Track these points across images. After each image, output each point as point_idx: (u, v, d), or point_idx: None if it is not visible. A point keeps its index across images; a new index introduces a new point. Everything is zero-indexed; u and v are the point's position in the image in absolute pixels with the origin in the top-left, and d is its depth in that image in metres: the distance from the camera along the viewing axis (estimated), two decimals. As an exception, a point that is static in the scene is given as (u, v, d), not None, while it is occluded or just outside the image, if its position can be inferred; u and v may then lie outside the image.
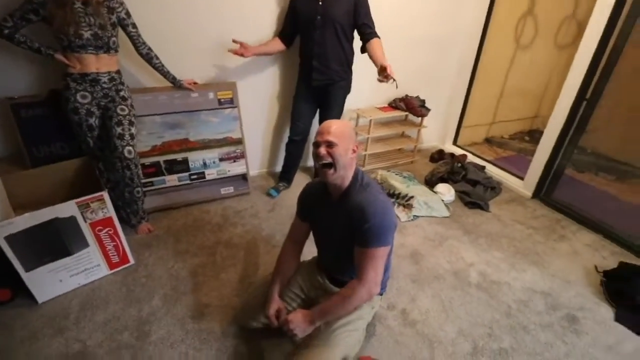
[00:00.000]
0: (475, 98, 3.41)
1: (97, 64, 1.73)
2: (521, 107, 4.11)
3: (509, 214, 2.48)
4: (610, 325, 1.64)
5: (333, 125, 1.12)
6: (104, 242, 1.74)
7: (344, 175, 1.14)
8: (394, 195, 2.50)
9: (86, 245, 1.69)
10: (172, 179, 2.32)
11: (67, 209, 1.56)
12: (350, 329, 1.24)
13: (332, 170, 1.10)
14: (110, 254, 1.79)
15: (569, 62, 2.37)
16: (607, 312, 1.70)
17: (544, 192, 2.67)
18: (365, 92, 2.96)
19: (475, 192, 2.60)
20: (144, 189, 2.11)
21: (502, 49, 3.49)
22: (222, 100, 2.28)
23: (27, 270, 1.55)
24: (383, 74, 1.80)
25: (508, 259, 2.04)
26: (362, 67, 2.81)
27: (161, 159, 2.24)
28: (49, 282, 1.63)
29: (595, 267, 1.99)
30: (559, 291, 1.82)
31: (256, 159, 2.80)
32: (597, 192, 2.89)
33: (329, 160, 1.09)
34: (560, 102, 2.42)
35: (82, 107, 1.77)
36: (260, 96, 2.61)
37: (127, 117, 1.88)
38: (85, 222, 1.64)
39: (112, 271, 1.83)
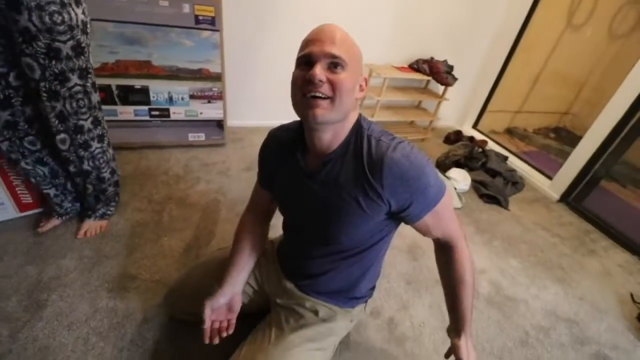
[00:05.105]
0: (508, 77, 2.89)
1: None
2: (553, 98, 3.61)
3: (531, 216, 2.07)
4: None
5: (337, 31, 0.64)
6: (8, 171, 1.29)
7: (340, 120, 0.67)
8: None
9: (-21, 173, 1.24)
10: (126, 112, 1.84)
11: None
12: (313, 348, 0.84)
13: (326, 103, 0.63)
14: (19, 191, 1.35)
15: (617, 57, 1.87)
16: (647, 357, 1.33)
17: (574, 197, 2.25)
18: (381, 44, 2.43)
19: (494, 184, 2.17)
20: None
21: (551, 23, 2.95)
22: (201, 18, 1.76)
23: None
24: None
25: (527, 270, 1.64)
26: (380, 13, 2.29)
27: (113, 82, 1.75)
28: None
29: (632, 296, 1.60)
30: (587, 321, 1.44)
31: (239, 104, 2.30)
32: (629, 207, 2.51)
33: (328, 94, 0.62)
34: (614, 102, 1.99)
35: None
36: (255, 21, 2.08)
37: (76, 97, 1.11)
38: (-24, 141, 1.18)
39: (23, 214, 1.39)
